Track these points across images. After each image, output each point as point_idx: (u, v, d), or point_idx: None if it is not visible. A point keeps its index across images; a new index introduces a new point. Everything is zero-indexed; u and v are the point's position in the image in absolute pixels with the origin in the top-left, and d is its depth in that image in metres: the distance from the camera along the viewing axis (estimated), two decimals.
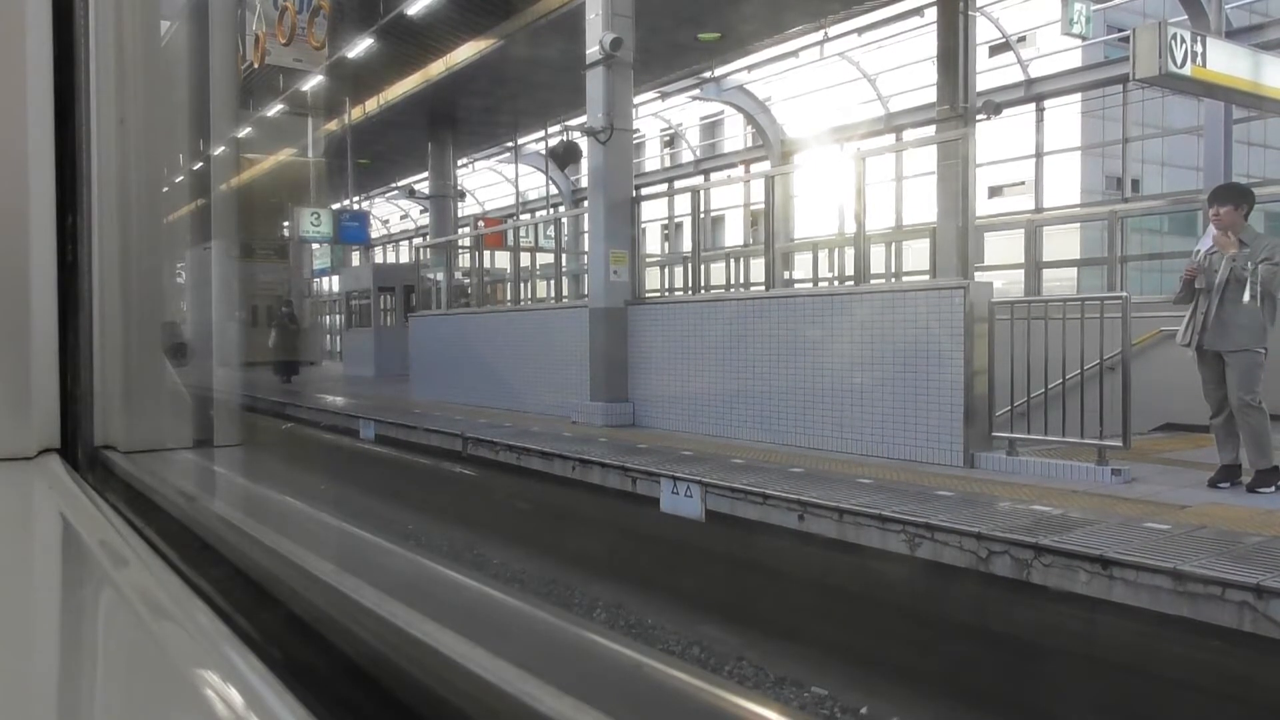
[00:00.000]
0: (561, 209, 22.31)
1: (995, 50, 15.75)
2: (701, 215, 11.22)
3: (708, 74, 17.54)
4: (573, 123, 17.61)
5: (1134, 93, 13.61)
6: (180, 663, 0.67)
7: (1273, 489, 5.03)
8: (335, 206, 19.38)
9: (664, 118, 21.31)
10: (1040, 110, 14.89)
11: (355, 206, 20.28)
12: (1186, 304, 5.32)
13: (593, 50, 8.86)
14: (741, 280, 15.73)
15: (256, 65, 15.21)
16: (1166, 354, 6.96)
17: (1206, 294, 5.18)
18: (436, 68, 15.83)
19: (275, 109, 18.34)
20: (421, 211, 26.35)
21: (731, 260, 15.96)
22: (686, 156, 22.59)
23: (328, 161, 19.21)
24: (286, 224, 19.56)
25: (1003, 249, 13.60)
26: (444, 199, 20.28)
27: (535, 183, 24.14)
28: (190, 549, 0.85)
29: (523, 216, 21.84)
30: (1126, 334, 5.65)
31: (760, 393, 7.63)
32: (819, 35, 15.45)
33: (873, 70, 16.60)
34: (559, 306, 11.47)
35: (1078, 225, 17.85)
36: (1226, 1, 11.49)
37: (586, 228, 10.57)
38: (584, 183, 16.88)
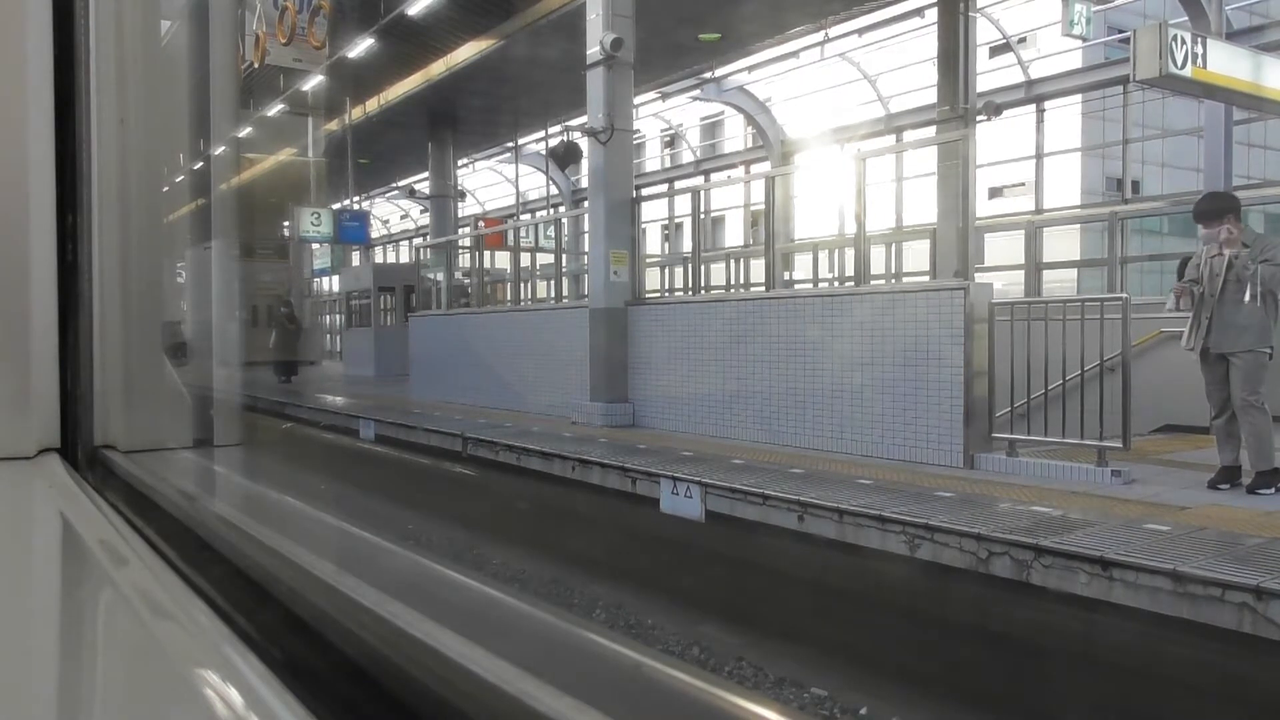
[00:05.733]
0: (562, 209, 22.31)
1: (996, 51, 15.75)
2: (701, 216, 11.23)
3: (708, 74, 17.55)
4: (573, 123, 17.61)
5: (1134, 94, 13.60)
6: (180, 663, 0.67)
7: (1273, 490, 5.03)
8: (335, 206, 19.38)
9: (664, 118, 21.32)
10: (1040, 111, 14.89)
11: (355, 206, 20.28)
12: (1188, 309, 5.32)
13: (593, 50, 8.86)
14: (741, 281, 15.74)
15: (257, 65, 15.21)
16: (1166, 355, 6.96)
17: (1208, 297, 5.19)
18: (437, 68, 15.83)
19: (275, 109, 18.34)
20: (421, 211, 26.36)
21: (731, 261, 15.97)
22: (687, 157, 22.60)
23: (328, 161, 19.21)
24: (286, 224, 19.56)
25: (1003, 250, 13.61)
26: (444, 199, 20.28)
27: (535, 183, 24.15)
28: (190, 549, 0.85)
29: (523, 217, 21.84)
30: (1126, 335, 5.65)
31: (760, 393, 7.63)
32: (819, 36, 15.45)
33: (873, 71, 16.60)
34: (559, 307, 11.47)
35: (1078, 226, 17.85)
36: (1227, 3, 11.49)
37: (587, 228, 10.58)
38: (584, 183, 16.88)
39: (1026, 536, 4.24)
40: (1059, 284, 14.13)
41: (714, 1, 13.15)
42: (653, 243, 21.82)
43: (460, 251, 16.70)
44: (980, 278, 7.55)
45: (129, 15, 1.31)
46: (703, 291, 10.75)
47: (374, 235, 25.55)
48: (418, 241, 24.92)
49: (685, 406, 8.42)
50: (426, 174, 21.20)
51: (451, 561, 0.73)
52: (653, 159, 24.19)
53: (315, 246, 21.81)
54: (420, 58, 15.87)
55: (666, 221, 20.76)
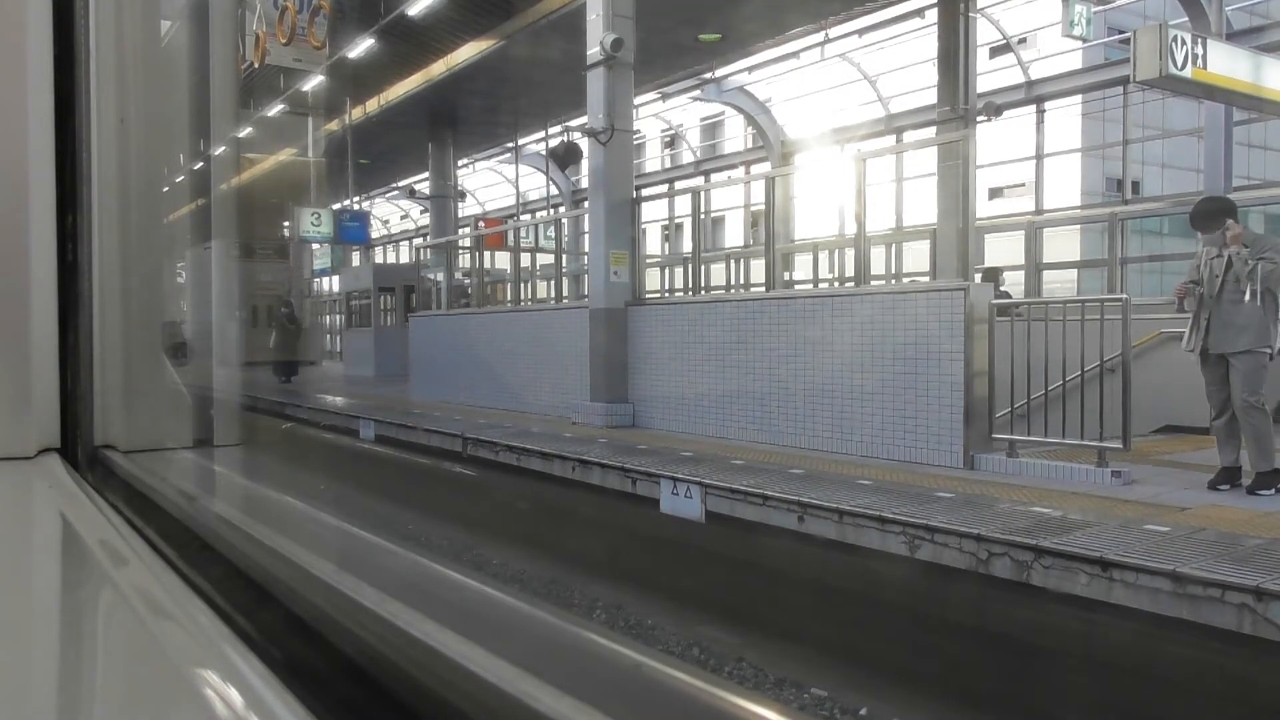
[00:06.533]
0: (562, 209, 22.31)
1: (996, 52, 15.76)
2: (702, 216, 11.22)
3: (708, 75, 17.55)
4: (573, 123, 17.62)
5: (1134, 94, 13.61)
6: (180, 663, 0.67)
7: (1273, 491, 5.03)
8: (335, 206, 19.38)
9: (664, 118, 21.32)
10: (1041, 112, 14.89)
11: (355, 206, 20.28)
12: (1192, 309, 5.32)
13: (593, 51, 8.86)
14: (741, 281, 15.74)
15: (257, 65, 15.19)
16: (1166, 355, 6.96)
17: (1207, 298, 5.19)
18: (437, 68, 15.84)
19: (275, 109, 18.33)
20: (422, 211, 26.36)
21: (732, 261, 15.97)
22: (687, 157, 22.59)
23: (328, 161, 19.20)
24: (286, 224, 19.55)
25: (1003, 250, 13.61)
26: (444, 199, 20.28)
27: (535, 183, 24.16)
28: (190, 549, 0.85)
29: (523, 217, 21.84)
30: (1126, 335, 5.65)
31: (760, 394, 7.63)
32: (820, 36, 15.46)
33: (873, 71, 16.60)
34: (559, 307, 11.48)
35: (1078, 227, 17.86)
36: (1227, 3, 11.49)
37: (587, 228, 10.58)
38: (584, 183, 16.89)
39: (1026, 537, 4.24)
40: (1059, 284, 14.14)
41: (714, 2, 13.15)
42: (653, 243, 21.81)
43: (460, 252, 16.70)
44: (980, 278, 7.56)
45: (129, 15, 1.31)
46: (703, 292, 10.75)
47: (374, 235, 25.56)
48: (418, 242, 24.93)
49: (685, 407, 8.43)
50: (426, 174, 21.20)
51: (451, 561, 0.73)
52: (653, 159, 24.19)
53: (315, 246, 21.81)
54: (420, 58, 15.87)
55: (666, 222, 20.76)
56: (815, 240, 16.14)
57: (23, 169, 1.25)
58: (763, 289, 11.74)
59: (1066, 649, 4.17)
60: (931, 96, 13.90)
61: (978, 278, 9.42)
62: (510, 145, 21.39)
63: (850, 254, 10.58)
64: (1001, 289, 9.78)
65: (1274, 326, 5.12)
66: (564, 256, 15.96)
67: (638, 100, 14.58)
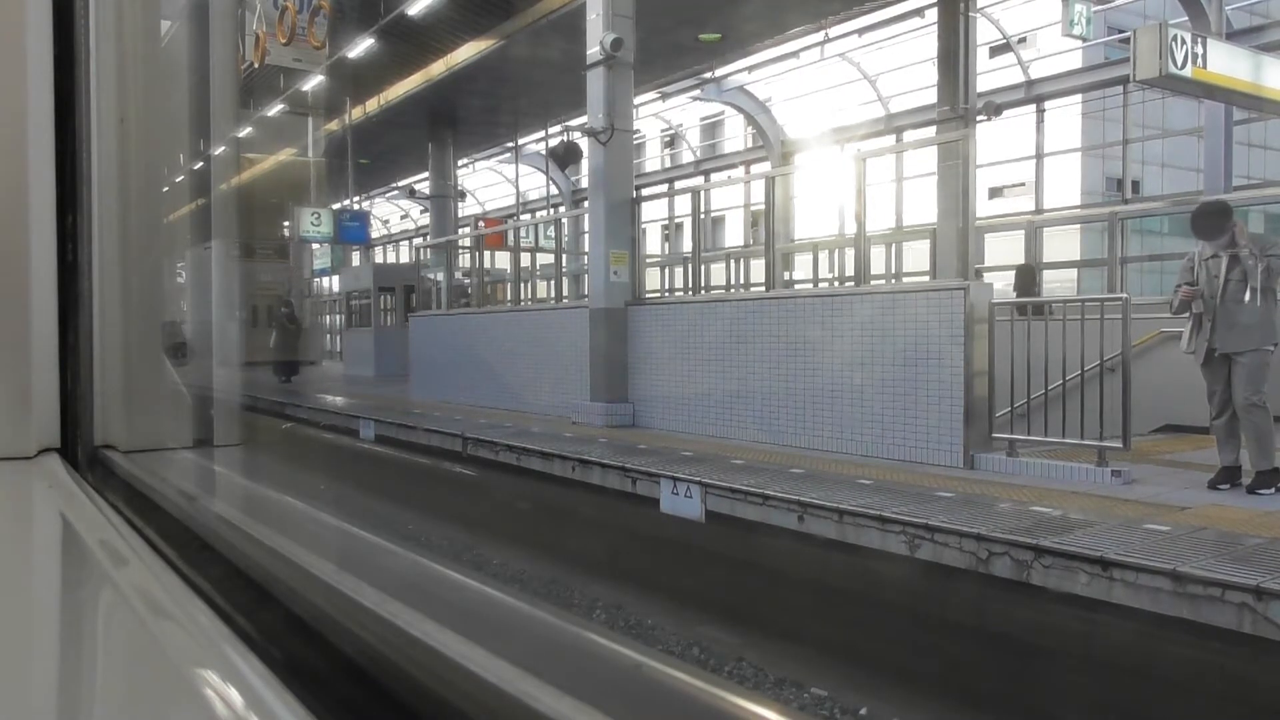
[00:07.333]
0: (562, 209, 22.31)
1: (996, 51, 15.76)
2: (701, 216, 11.22)
3: (708, 74, 17.55)
4: (573, 123, 17.62)
5: (1134, 94, 13.61)
6: (180, 663, 0.67)
7: (1273, 490, 5.03)
8: (335, 206, 19.38)
9: (664, 118, 21.31)
10: (1040, 111, 14.89)
11: (355, 206, 20.28)
12: (1199, 310, 5.31)
13: (593, 51, 8.86)
14: (741, 281, 15.73)
15: (257, 65, 15.19)
16: (1166, 355, 6.96)
17: (1209, 299, 5.19)
18: (437, 68, 15.84)
19: (275, 109, 18.33)
20: (422, 211, 26.37)
21: (731, 261, 15.96)
22: (687, 157, 22.59)
23: (328, 161, 19.21)
24: (286, 224, 19.55)
25: (1003, 250, 13.61)
26: (444, 199, 20.28)
27: (535, 183, 24.16)
28: (190, 549, 0.85)
29: (523, 217, 21.84)
30: (1126, 335, 5.65)
31: (760, 393, 7.63)
32: (819, 36, 15.46)
33: (873, 71, 16.60)
34: (559, 307, 11.47)
35: (1078, 226, 17.85)
36: (1227, 3, 11.49)
37: (587, 228, 10.58)
38: (584, 183, 16.88)
39: (1027, 537, 4.24)
40: (1059, 284, 14.14)
41: (714, 1, 13.15)
42: (653, 243, 21.81)
43: (460, 251, 16.70)
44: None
45: (129, 15, 1.31)
46: (703, 291, 10.75)
47: (374, 235, 25.56)
48: (418, 241, 24.93)
49: (685, 406, 8.43)
50: (426, 174, 21.20)
51: (451, 561, 0.73)
52: (653, 159, 24.19)
53: (315, 246, 21.81)
54: (420, 58, 15.87)
55: (666, 221, 20.76)
56: (815, 240, 16.14)
57: (23, 169, 1.25)
58: (763, 289, 11.73)
59: (1066, 649, 4.17)
60: (931, 96, 13.90)
61: (980, 275, 9.42)
62: (510, 145, 21.39)
63: (850, 254, 10.58)
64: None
65: (1277, 324, 5.12)
66: (564, 256, 15.95)
67: (638, 100, 14.57)
